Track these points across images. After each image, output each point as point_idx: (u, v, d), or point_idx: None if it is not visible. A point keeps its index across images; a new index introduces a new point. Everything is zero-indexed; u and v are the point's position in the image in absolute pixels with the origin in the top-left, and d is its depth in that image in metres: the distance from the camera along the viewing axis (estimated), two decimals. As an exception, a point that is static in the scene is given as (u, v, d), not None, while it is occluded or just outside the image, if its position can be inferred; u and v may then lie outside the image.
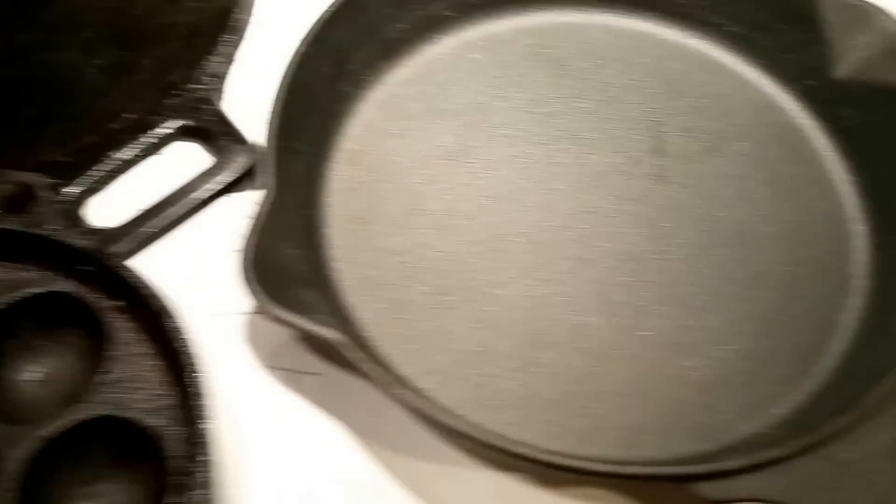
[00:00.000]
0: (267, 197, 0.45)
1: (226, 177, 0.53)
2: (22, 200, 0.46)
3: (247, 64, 0.59)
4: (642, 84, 0.59)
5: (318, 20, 0.52)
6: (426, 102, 0.57)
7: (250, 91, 0.57)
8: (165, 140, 0.55)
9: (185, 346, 0.42)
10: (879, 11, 0.55)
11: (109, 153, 0.54)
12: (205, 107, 0.55)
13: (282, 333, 0.47)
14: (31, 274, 0.46)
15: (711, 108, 0.58)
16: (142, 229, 0.51)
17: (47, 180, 0.47)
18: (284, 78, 0.49)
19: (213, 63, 0.57)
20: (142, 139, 0.54)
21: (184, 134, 0.55)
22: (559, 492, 0.46)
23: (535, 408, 0.48)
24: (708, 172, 0.55)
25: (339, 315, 0.47)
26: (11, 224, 0.45)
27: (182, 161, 0.55)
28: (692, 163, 0.56)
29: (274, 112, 0.48)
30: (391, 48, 0.58)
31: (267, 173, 0.46)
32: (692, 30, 0.60)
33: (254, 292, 0.42)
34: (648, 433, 0.47)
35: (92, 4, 0.60)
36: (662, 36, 0.60)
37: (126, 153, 0.54)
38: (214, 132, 0.55)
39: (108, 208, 0.53)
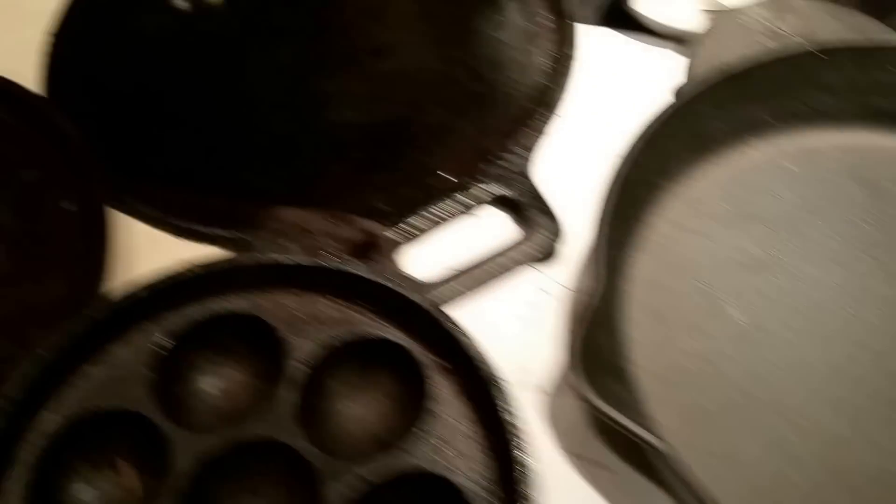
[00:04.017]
0: (597, 291, 0.46)
1: (532, 250, 0.55)
2: (366, 247, 0.49)
3: (557, 139, 0.61)
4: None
5: (655, 120, 0.52)
6: (734, 206, 0.57)
7: (558, 167, 0.59)
8: (478, 204, 0.57)
9: (512, 419, 0.43)
10: None
11: (425, 207, 0.56)
12: (519, 178, 0.57)
13: (578, 418, 0.47)
14: (363, 317, 0.48)
15: None
16: (448, 287, 0.53)
17: (388, 233, 0.50)
18: (618, 175, 0.50)
19: (527, 135, 0.59)
20: (457, 199, 0.57)
21: (496, 201, 0.57)
22: None
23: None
24: None
25: (639, 412, 0.47)
26: (359, 268, 0.48)
27: (489, 225, 0.57)
28: None
29: (606, 208, 0.49)
30: (705, 146, 0.58)
31: (598, 267, 0.47)
32: None
33: (581, 388, 0.42)
34: None
35: (421, 64, 0.64)
36: None
37: (440, 210, 0.56)
38: (525, 205, 0.56)
39: (416, 258, 0.56)
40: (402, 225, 0.56)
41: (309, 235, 0.50)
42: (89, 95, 0.64)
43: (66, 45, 0.65)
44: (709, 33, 0.60)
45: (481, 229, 0.57)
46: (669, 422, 0.48)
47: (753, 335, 0.52)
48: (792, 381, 0.50)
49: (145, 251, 0.56)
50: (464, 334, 0.46)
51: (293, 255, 0.50)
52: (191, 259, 0.56)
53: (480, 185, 0.57)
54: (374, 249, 0.50)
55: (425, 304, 0.47)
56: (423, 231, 0.56)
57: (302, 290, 0.50)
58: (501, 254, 0.55)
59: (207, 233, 0.56)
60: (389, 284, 0.48)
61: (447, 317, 0.46)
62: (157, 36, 0.67)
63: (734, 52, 0.58)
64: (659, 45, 0.65)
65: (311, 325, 0.49)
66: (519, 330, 0.53)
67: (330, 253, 0.50)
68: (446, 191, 0.57)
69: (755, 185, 0.57)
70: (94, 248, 0.53)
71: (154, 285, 0.49)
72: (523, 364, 0.50)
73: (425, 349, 0.47)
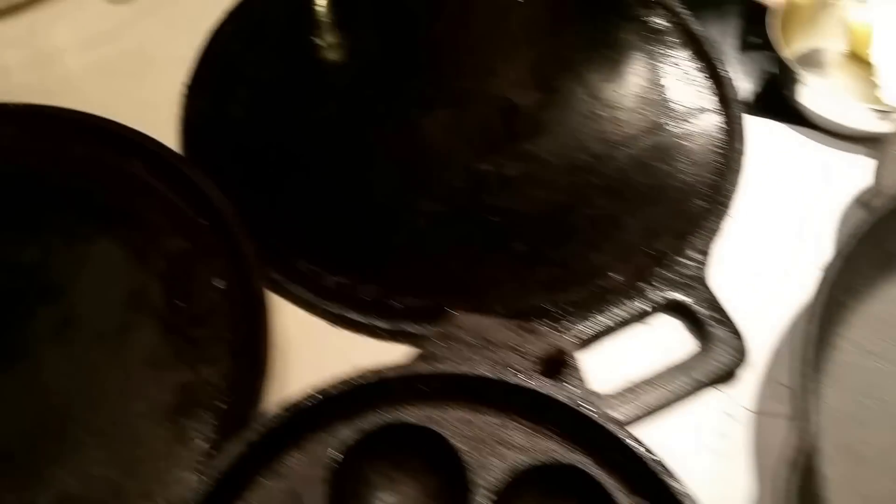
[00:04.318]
0: (810, 433, 0.43)
1: (714, 369, 0.51)
2: (555, 364, 0.46)
3: (731, 241, 0.57)
4: None
5: (852, 236, 0.50)
6: (918, 328, 0.54)
7: (734, 272, 0.56)
8: (652, 311, 0.54)
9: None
10: None
11: (595, 312, 0.53)
12: (695, 284, 0.54)
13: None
14: (551, 442, 0.45)
15: None
16: (628, 406, 0.50)
17: (577, 348, 0.47)
18: (818, 297, 0.47)
19: (701, 236, 0.56)
20: (627, 305, 0.54)
21: (670, 308, 0.54)
22: None
23: None
24: None
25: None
26: (551, 389, 0.45)
27: (659, 333, 0.54)
28: None
29: (809, 334, 0.46)
30: (889, 262, 0.55)
31: (807, 405, 0.44)
32: None
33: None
34: None
35: (579, 146, 0.61)
36: None
37: (612, 316, 0.53)
38: (703, 315, 0.53)
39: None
40: (565, 330, 0.53)
41: (491, 345, 0.47)
42: (229, 157, 0.60)
43: (201, 99, 0.62)
44: (893, 141, 0.57)
45: (651, 337, 0.54)
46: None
47: (951, 479, 0.49)
48: None
49: (298, 336, 0.53)
50: (676, 480, 0.43)
51: (477, 369, 0.46)
52: (346, 350, 0.53)
53: (654, 291, 0.54)
54: (563, 366, 0.47)
55: (633, 443, 0.44)
56: (591, 338, 0.53)
57: (483, 406, 0.47)
58: (678, 369, 0.51)
59: (365, 323, 0.53)
60: (589, 413, 0.44)
61: (657, 459, 0.43)
62: (301, 98, 0.64)
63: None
64: (830, 144, 0.62)
65: (493, 445, 0.46)
66: (704, 460, 0.50)
67: (516, 368, 0.46)
68: (617, 294, 0.54)
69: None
70: (252, 334, 0.50)
71: (329, 393, 0.45)
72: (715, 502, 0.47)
73: (625, 487, 0.44)
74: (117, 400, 0.50)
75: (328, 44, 0.67)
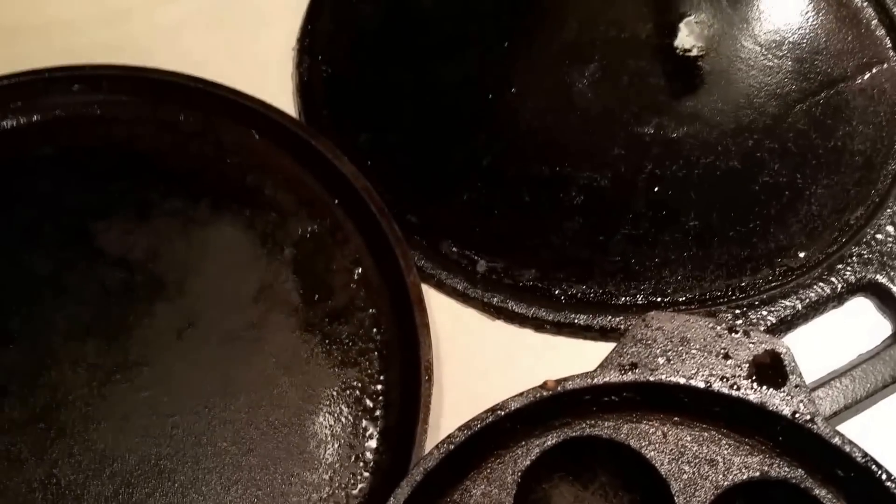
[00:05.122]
0: None
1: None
2: (766, 368, 0.40)
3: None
4: None
5: None
6: None
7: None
8: (844, 294, 0.48)
9: None
10: None
11: (781, 297, 0.47)
12: (892, 262, 0.47)
13: None
14: (761, 455, 0.40)
15: None
16: (822, 402, 0.44)
17: (792, 355, 0.41)
18: None
19: (894, 206, 0.50)
20: (819, 287, 0.47)
21: (864, 289, 0.48)
22: None
23: None
24: None
25: None
26: (767, 400, 0.40)
27: (851, 320, 0.48)
28: None
29: None
30: None
31: None
32: None
33: None
34: None
35: (747, 103, 0.53)
36: None
37: (800, 300, 0.47)
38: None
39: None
40: (749, 316, 0.47)
41: (691, 348, 0.41)
42: (353, 124, 0.52)
43: (317, 57, 0.54)
44: None
45: (840, 322, 0.48)
46: None
47: None
48: None
49: (451, 331, 0.46)
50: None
51: (677, 378, 0.41)
52: (508, 346, 0.48)
53: (847, 270, 0.47)
54: (780, 376, 0.41)
55: (864, 459, 0.38)
56: (777, 325, 0.47)
57: (684, 416, 0.41)
58: (877, 358, 0.45)
59: (528, 315, 0.46)
60: (814, 428, 0.39)
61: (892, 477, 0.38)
62: (429, 54, 0.56)
63: None
64: None
65: (696, 459, 0.40)
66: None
67: (722, 375, 0.40)
68: (805, 275, 0.47)
69: None
70: (406, 330, 0.44)
71: (508, 408, 0.40)
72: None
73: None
74: (253, 411, 0.44)
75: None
